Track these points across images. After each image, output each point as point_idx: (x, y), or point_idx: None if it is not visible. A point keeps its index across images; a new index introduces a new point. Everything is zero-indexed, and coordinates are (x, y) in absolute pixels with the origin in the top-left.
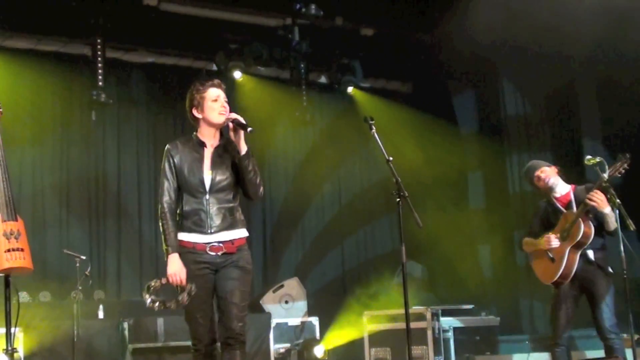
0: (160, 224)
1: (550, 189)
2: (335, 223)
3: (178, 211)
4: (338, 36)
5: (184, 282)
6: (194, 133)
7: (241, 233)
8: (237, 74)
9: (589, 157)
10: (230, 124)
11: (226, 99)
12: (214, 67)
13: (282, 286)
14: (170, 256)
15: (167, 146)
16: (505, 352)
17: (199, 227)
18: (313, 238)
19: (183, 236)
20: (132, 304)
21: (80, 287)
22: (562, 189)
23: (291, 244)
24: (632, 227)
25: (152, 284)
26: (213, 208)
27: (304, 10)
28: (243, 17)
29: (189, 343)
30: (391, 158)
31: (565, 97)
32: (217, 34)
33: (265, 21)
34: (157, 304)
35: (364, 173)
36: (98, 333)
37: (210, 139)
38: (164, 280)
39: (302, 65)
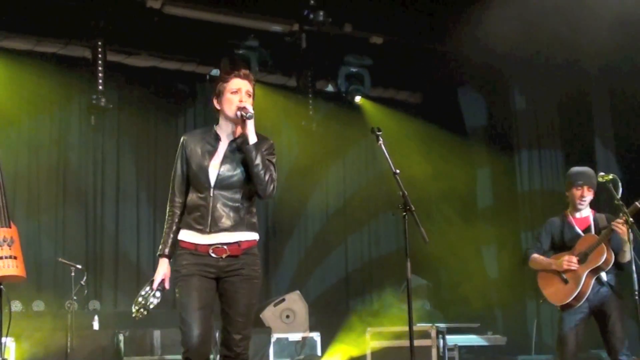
0: (166, 218)
1: (578, 209)
2: (340, 236)
3: (184, 206)
4: (346, 44)
5: (154, 287)
6: (214, 125)
7: (248, 235)
8: None
9: (602, 173)
10: (239, 113)
11: (250, 93)
12: (218, 73)
13: (283, 300)
14: (160, 258)
15: (184, 136)
16: None
17: (198, 224)
18: (317, 251)
19: (184, 234)
20: (128, 315)
21: (75, 297)
22: (585, 211)
23: (294, 257)
24: None
25: (143, 293)
26: (216, 205)
27: (311, 16)
28: (249, 22)
29: None
30: (398, 171)
31: (578, 110)
32: (222, 39)
33: (272, 27)
34: (141, 310)
35: (370, 185)
36: (92, 345)
37: (227, 132)
38: (154, 287)
39: (309, 73)
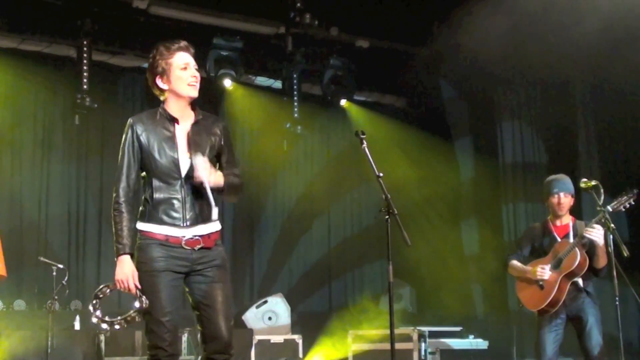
0: (112, 215)
1: (558, 215)
2: (323, 238)
3: (144, 199)
4: (333, 47)
5: (133, 290)
6: (161, 106)
7: (217, 226)
8: (228, 82)
9: (584, 179)
10: (207, 186)
11: (196, 66)
12: (204, 75)
13: (265, 302)
14: (120, 257)
15: (130, 119)
16: None
17: (172, 218)
18: (299, 254)
19: (151, 227)
20: (109, 315)
21: (56, 297)
22: (565, 218)
23: (277, 258)
24: (626, 253)
25: (99, 292)
26: (189, 196)
27: (298, 19)
28: (235, 24)
29: None
30: (381, 174)
31: (562, 116)
32: (208, 40)
33: (259, 29)
34: (103, 325)
35: (354, 188)
36: (73, 344)
37: (181, 113)
38: (112, 287)
39: (295, 76)
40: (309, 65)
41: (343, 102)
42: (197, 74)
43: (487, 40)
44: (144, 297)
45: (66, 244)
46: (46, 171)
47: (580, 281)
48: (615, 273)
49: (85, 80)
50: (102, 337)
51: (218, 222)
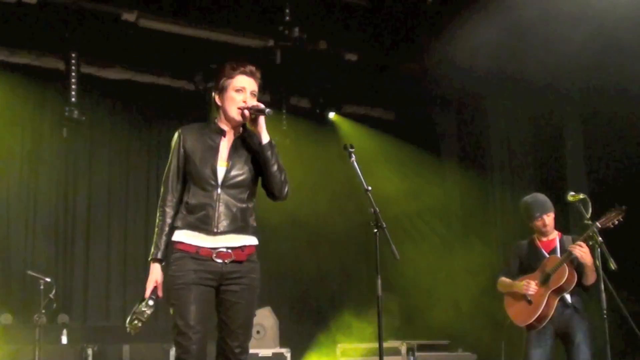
0: (157, 218)
1: (543, 234)
2: (312, 252)
3: (182, 203)
4: (321, 60)
5: (147, 293)
6: (215, 119)
7: (252, 240)
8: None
9: (572, 192)
10: (247, 112)
11: (255, 93)
12: (193, 88)
13: (254, 315)
14: (152, 264)
15: (180, 129)
16: None
17: (204, 224)
18: (288, 266)
19: (184, 235)
20: (97, 330)
21: (43, 311)
22: (550, 234)
23: (265, 272)
24: (614, 266)
25: (137, 310)
26: (223, 205)
27: (287, 32)
28: (224, 37)
29: None
30: (370, 188)
31: (550, 128)
32: (196, 53)
33: (247, 42)
34: (135, 322)
35: (343, 202)
36: (60, 359)
37: (231, 128)
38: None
39: (283, 89)
40: (297, 78)
41: (331, 115)
42: (248, 99)
43: (476, 54)
44: (153, 299)
45: (53, 258)
46: (34, 184)
47: (568, 297)
48: (603, 286)
49: (73, 92)
50: (89, 352)
51: (254, 237)
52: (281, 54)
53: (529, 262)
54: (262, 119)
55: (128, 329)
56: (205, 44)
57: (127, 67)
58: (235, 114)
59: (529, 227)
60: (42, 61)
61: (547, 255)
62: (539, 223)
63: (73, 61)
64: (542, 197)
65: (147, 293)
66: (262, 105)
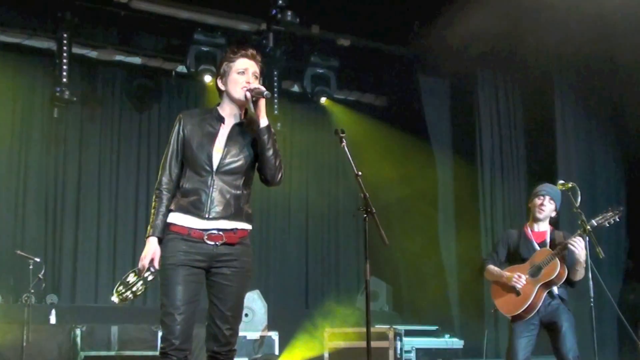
0: (153, 200)
1: (535, 219)
2: (301, 236)
3: (178, 187)
4: (314, 45)
5: (145, 265)
6: (216, 106)
7: (245, 225)
8: (208, 78)
9: (561, 181)
10: (248, 94)
11: (257, 74)
12: (184, 70)
13: None
14: (148, 239)
15: (181, 114)
16: None
17: (196, 209)
18: (277, 251)
19: (177, 217)
20: (86, 310)
21: (32, 290)
22: (543, 226)
23: (254, 255)
24: (602, 254)
25: (126, 278)
26: (216, 191)
27: (280, 16)
28: (217, 20)
29: (143, 353)
30: (360, 173)
31: (541, 116)
32: (189, 35)
33: (240, 25)
34: (126, 292)
35: (333, 187)
36: (49, 339)
37: (231, 115)
38: (139, 272)
39: (275, 73)
40: (289, 62)
41: (323, 100)
42: (255, 82)
43: (469, 39)
44: (151, 271)
45: (43, 238)
46: (23, 164)
47: (554, 288)
48: (590, 275)
49: (64, 73)
50: (77, 332)
51: (248, 223)
52: (274, 37)
53: (517, 250)
54: (262, 102)
55: (115, 298)
56: (197, 26)
57: (119, 48)
58: (239, 94)
59: (528, 208)
60: (34, 41)
61: (537, 247)
62: (538, 201)
63: (64, 41)
64: (554, 186)
65: (146, 264)
66: (262, 88)
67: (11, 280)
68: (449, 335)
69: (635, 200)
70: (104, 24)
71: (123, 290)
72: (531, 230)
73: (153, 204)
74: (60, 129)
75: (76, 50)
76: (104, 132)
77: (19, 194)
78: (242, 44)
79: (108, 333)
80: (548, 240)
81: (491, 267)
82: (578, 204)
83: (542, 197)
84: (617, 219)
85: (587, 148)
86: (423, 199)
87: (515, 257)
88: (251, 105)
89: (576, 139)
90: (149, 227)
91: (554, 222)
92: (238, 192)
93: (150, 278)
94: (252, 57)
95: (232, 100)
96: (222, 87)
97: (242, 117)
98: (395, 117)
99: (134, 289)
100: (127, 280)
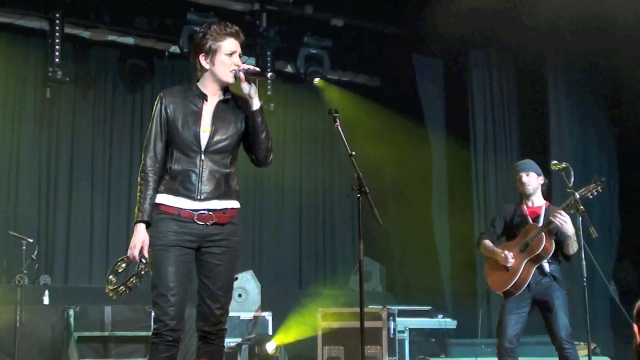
0: (138, 183)
1: (526, 196)
2: (295, 217)
3: (165, 169)
4: (307, 25)
5: (137, 257)
6: (195, 82)
7: (234, 204)
8: None
9: (554, 161)
10: (242, 75)
11: (241, 54)
12: (177, 50)
13: (235, 279)
14: (136, 225)
15: (161, 93)
16: (460, 356)
17: (187, 190)
18: (270, 231)
19: (166, 199)
20: (79, 291)
21: (25, 271)
22: (537, 201)
23: (247, 236)
24: (595, 234)
25: (116, 267)
26: (206, 171)
27: None
28: (210, 0)
29: (136, 333)
30: (354, 153)
31: (535, 96)
32: (182, 15)
33: (233, 5)
34: (120, 287)
35: (327, 167)
36: (42, 319)
37: (213, 92)
38: (128, 259)
39: (269, 53)
40: (283, 43)
41: (316, 81)
42: (240, 62)
43: (461, 18)
44: (143, 263)
45: (36, 218)
46: (16, 144)
47: (546, 265)
48: (583, 254)
49: (57, 53)
50: (71, 312)
51: (237, 201)
52: (267, 17)
53: (512, 224)
54: (255, 84)
55: (111, 294)
56: (190, 5)
57: (112, 28)
58: (228, 77)
59: (517, 190)
60: (26, 21)
61: (531, 222)
62: (519, 180)
63: (57, 21)
64: (528, 160)
65: (136, 254)
66: (258, 69)
67: (4, 261)
68: (442, 315)
69: (628, 180)
70: (97, 3)
71: (117, 285)
72: (526, 207)
73: (139, 187)
74: (52, 110)
75: (68, 30)
76: (96, 113)
77: (12, 175)
78: (225, 21)
79: (101, 314)
80: (542, 216)
81: (486, 242)
82: (571, 184)
83: (520, 174)
84: (600, 190)
85: (580, 128)
86: (416, 179)
87: (510, 230)
88: (244, 86)
89: (569, 119)
90: (136, 211)
91: (547, 195)
92: (227, 170)
93: (143, 272)
94: (238, 36)
95: (217, 80)
96: (206, 66)
97: (224, 94)
98: (388, 98)
99: (129, 283)
100: (117, 269)
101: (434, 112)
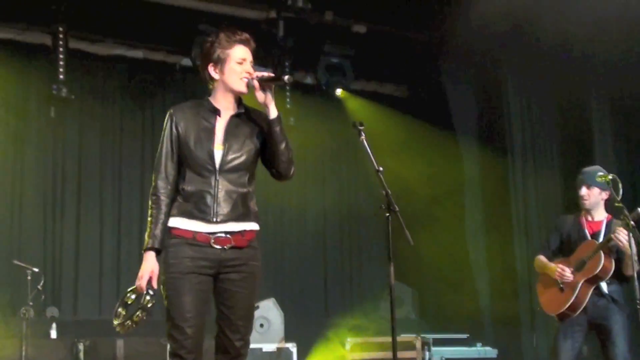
0: (149, 207)
1: (585, 209)
2: (319, 239)
3: (178, 190)
4: (327, 33)
5: (143, 288)
6: (207, 97)
7: (254, 226)
8: None
9: (600, 173)
10: (256, 84)
11: (252, 61)
12: (189, 63)
13: (257, 307)
14: (145, 253)
15: (171, 109)
16: None
17: (202, 212)
18: (293, 255)
19: (180, 222)
20: (89, 324)
21: (31, 303)
22: (598, 215)
23: (269, 261)
24: None
25: (126, 299)
26: (222, 191)
27: (290, 2)
28: (222, 9)
29: None
30: (381, 168)
31: (576, 105)
32: (193, 26)
33: (247, 14)
34: (126, 322)
35: (352, 184)
36: (49, 355)
37: (226, 106)
38: (138, 289)
39: (287, 64)
40: (301, 52)
41: (339, 92)
42: (252, 70)
43: (494, 20)
44: (150, 294)
45: (41, 246)
46: (19, 167)
47: (604, 286)
48: (636, 275)
49: (61, 69)
50: (80, 347)
51: (256, 223)
52: (284, 26)
53: (569, 239)
54: (270, 91)
55: (118, 329)
56: (201, 15)
57: (119, 42)
58: (239, 86)
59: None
60: (28, 36)
61: (589, 237)
62: (578, 191)
63: (61, 35)
64: (593, 169)
65: (143, 284)
66: (273, 74)
67: (8, 292)
68: (481, 344)
69: None
70: (103, 15)
71: (123, 319)
72: (586, 220)
73: (150, 211)
74: (58, 130)
75: (73, 45)
76: (104, 132)
77: (15, 200)
78: (234, 28)
79: (113, 348)
80: (603, 231)
81: (540, 257)
82: (619, 197)
83: (579, 188)
84: None
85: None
86: (450, 196)
87: (567, 245)
88: (259, 95)
89: (613, 125)
90: (146, 237)
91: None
92: (244, 190)
93: (150, 305)
94: (248, 43)
95: (229, 90)
96: (216, 76)
97: (237, 108)
98: (417, 108)
99: (135, 317)
100: (127, 301)
101: (465, 122)
